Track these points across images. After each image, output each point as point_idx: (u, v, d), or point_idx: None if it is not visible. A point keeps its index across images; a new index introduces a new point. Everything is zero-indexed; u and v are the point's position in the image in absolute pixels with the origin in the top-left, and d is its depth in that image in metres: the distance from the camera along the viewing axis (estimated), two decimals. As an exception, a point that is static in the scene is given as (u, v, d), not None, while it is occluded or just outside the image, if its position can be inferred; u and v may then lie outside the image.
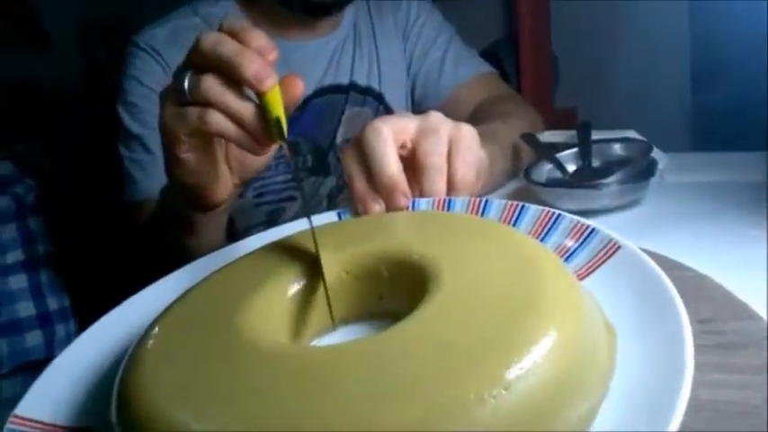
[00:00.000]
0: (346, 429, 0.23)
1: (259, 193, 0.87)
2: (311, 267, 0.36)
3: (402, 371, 0.25)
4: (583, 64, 1.78)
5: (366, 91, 0.93)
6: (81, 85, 2.22)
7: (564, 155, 0.65)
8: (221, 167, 0.51)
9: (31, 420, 0.32)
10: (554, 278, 0.30)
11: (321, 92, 0.90)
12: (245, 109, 0.42)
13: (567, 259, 0.37)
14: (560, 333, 0.26)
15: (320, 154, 0.90)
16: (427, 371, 0.24)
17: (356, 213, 0.47)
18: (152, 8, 0.97)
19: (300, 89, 0.42)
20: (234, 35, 0.42)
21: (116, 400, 0.29)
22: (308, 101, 0.88)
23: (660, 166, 0.59)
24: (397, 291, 0.35)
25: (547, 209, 0.41)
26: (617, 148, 0.64)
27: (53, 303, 1.17)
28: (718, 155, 0.71)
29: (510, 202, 0.43)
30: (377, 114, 0.92)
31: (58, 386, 0.34)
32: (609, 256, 0.36)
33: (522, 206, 0.42)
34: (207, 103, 0.43)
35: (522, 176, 0.65)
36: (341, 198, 0.92)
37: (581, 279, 0.35)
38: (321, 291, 0.36)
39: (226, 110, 0.43)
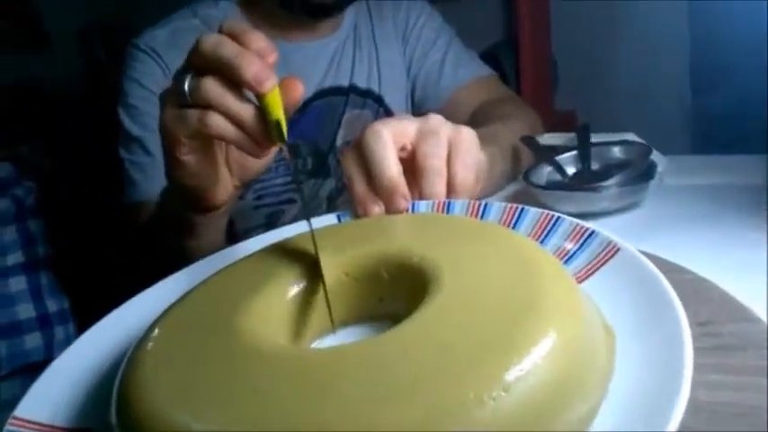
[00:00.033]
0: (346, 430, 0.23)
1: (259, 195, 0.87)
2: (311, 269, 0.36)
3: (402, 372, 0.25)
4: (582, 65, 1.78)
5: (366, 93, 0.93)
6: (81, 86, 2.22)
7: (563, 157, 0.65)
8: (221, 170, 0.51)
9: (30, 422, 0.32)
10: (553, 280, 0.30)
11: (321, 94, 0.90)
12: (245, 111, 0.42)
13: (566, 262, 0.37)
14: (560, 335, 0.26)
15: (320, 156, 0.90)
16: (427, 372, 0.25)
17: (356, 216, 0.47)
18: (152, 9, 0.97)
19: (300, 91, 0.42)
20: (234, 37, 0.42)
21: (116, 401, 0.29)
22: (307, 103, 0.88)
23: (659, 168, 0.59)
24: (396, 293, 0.35)
25: (546, 211, 0.41)
26: (616, 151, 0.64)
27: (52, 305, 1.17)
28: (717, 158, 0.71)
29: (509, 205, 0.43)
30: (377, 117, 0.92)
31: (58, 388, 0.34)
32: (608, 259, 0.36)
33: (522, 209, 0.42)
34: (207, 106, 0.43)
35: (521, 179, 0.65)
36: (340, 200, 0.92)
37: (580, 281, 0.35)
38: (321, 293, 0.36)
39: (226, 112, 0.43)
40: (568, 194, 0.58)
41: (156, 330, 0.32)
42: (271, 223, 0.88)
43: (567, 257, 0.38)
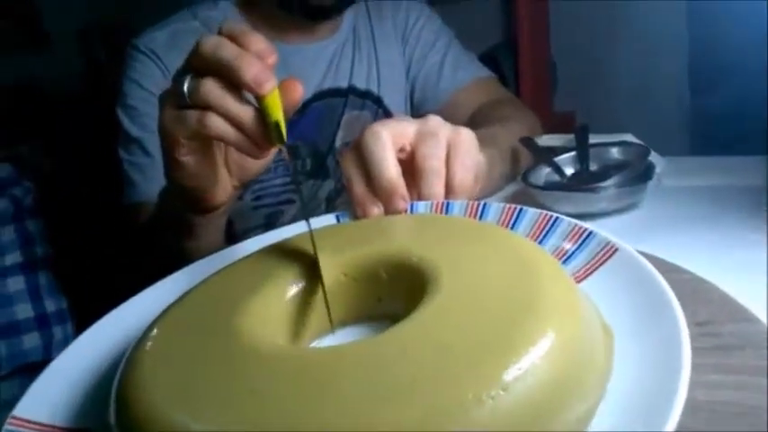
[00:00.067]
0: (345, 430, 0.23)
1: (258, 195, 0.87)
2: (310, 270, 0.36)
3: (401, 372, 0.25)
4: (581, 66, 1.78)
5: (365, 94, 0.93)
6: (81, 86, 2.22)
7: (562, 158, 0.65)
8: (220, 170, 0.51)
9: (29, 422, 0.32)
10: (552, 280, 0.30)
11: (320, 95, 0.90)
12: (245, 112, 0.42)
13: (564, 262, 0.37)
14: (558, 335, 0.26)
15: (319, 157, 0.91)
16: (426, 372, 0.25)
17: (355, 216, 0.47)
18: (152, 10, 0.97)
19: (300, 93, 0.42)
20: (233, 39, 0.42)
21: (114, 401, 0.29)
22: (307, 104, 0.88)
23: (658, 169, 0.59)
24: (395, 293, 0.35)
25: (545, 212, 0.41)
26: (615, 152, 0.64)
27: (51, 305, 1.17)
28: (716, 158, 0.71)
29: (508, 206, 0.43)
30: (376, 118, 0.92)
31: (56, 388, 0.34)
32: (606, 259, 0.36)
33: (520, 209, 0.42)
34: (206, 107, 0.43)
35: (520, 180, 0.65)
36: (339, 201, 0.92)
37: (578, 281, 0.35)
38: (319, 293, 0.36)
39: (225, 113, 0.43)
40: (567, 195, 0.58)
41: (155, 330, 0.32)
42: (270, 224, 0.88)
43: (565, 258, 0.38)
